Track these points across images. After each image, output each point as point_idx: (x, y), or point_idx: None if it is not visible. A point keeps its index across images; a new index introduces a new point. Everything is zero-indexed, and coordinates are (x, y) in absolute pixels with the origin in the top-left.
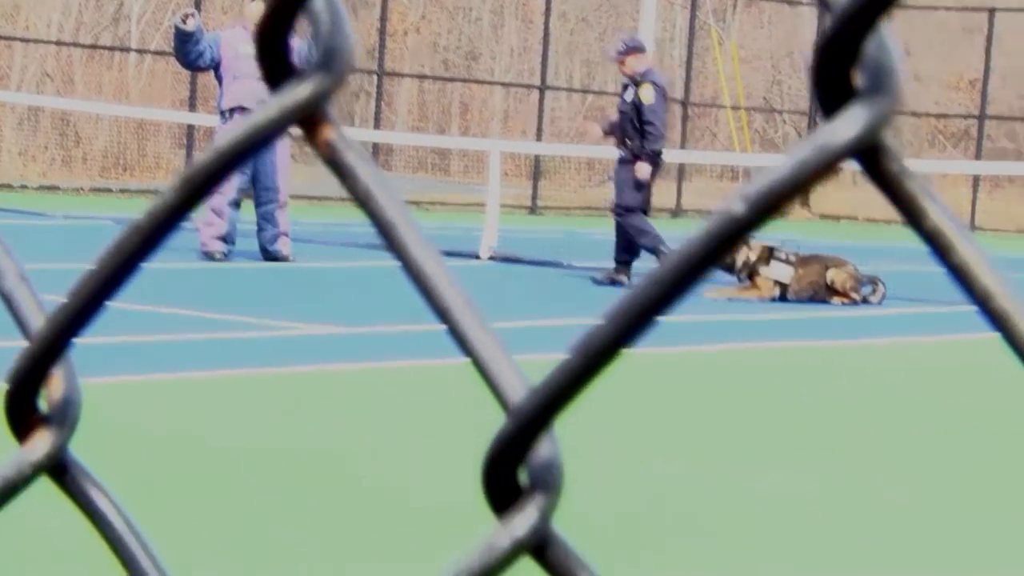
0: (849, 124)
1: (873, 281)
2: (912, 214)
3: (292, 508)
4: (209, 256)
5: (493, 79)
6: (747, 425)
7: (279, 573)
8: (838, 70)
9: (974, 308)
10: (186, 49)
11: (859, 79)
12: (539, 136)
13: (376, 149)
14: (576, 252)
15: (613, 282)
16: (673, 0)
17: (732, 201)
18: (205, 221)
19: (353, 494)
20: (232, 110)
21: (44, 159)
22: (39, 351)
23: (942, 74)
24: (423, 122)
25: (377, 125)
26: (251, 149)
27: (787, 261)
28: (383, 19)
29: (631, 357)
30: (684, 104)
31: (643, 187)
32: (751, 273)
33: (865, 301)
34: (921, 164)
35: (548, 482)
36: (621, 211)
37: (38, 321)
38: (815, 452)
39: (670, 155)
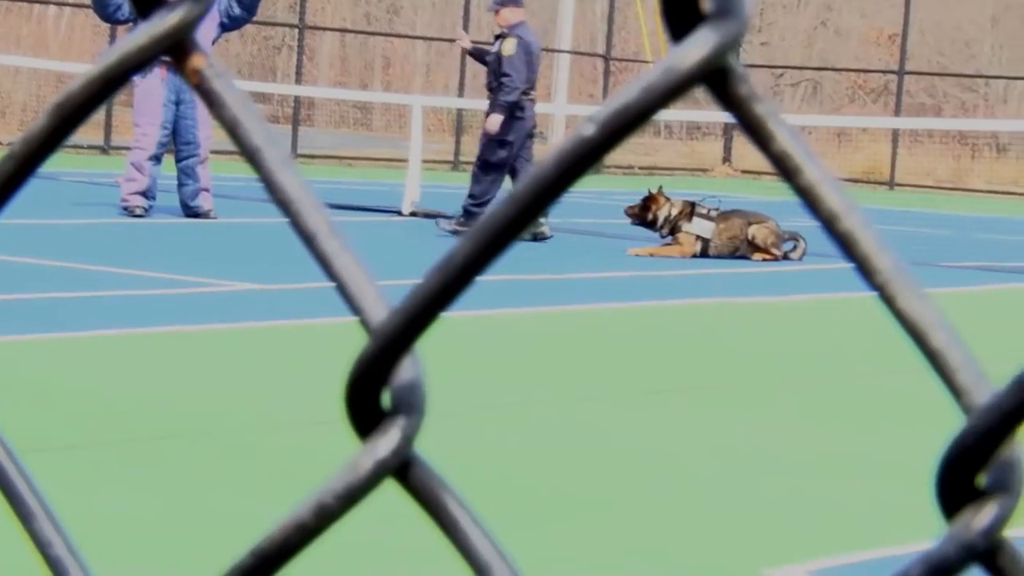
0: (696, 48)
1: (794, 237)
2: (760, 137)
3: (198, 468)
4: (129, 212)
5: (415, 33)
6: (668, 380)
7: (185, 528)
8: None
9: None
10: (104, 2)
11: (707, 2)
12: (461, 91)
13: (298, 103)
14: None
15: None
16: None
17: (582, 124)
18: (126, 176)
19: (259, 455)
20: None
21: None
22: None
23: (862, 29)
24: (345, 76)
25: (299, 80)
26: (121, 77)
27: (708, 217)
28: None
29: (556, 314)
30: (606, 59)
31: (506, 144)
32: (673, 229)
33: (786, 257)
34: (842, 119)
35: (411, 404)
36: (480, 163)
37: None
38: (738, 406)
39: (589, 110)
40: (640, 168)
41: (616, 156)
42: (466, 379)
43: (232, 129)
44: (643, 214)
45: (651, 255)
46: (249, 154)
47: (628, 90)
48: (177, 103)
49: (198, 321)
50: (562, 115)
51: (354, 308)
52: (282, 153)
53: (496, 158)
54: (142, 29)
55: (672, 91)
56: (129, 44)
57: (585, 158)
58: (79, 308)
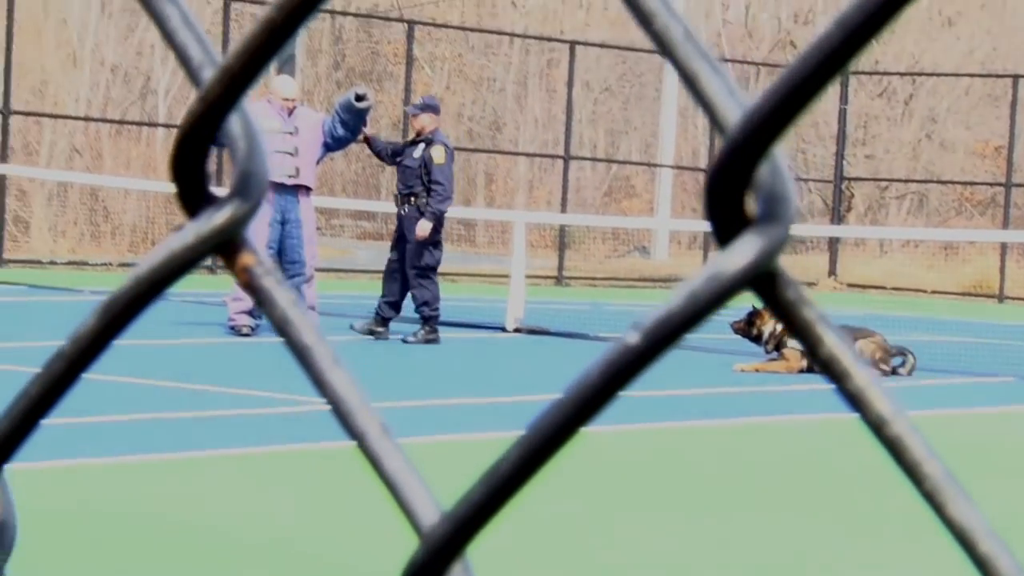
0: (742, 253)
1: (903, 352)
2: (809, 341)
3: None
4: (237, 331)
5: (517, 149)
6: (776, 497)
7: None
8: (731, 198)
9: (992, 381)
10: None
11: (753, 206)
12: (564, 206)
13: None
14: (603, 323)
15: (371, 332)
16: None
17: (627, 332)
18: (233, 296)
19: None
20: None
21: (73, 234)
22: None
23: (968, 141)
24: None
25: None
26: (170, 277)
27: None
28: (407, 90)
29: (663, 431)
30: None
31: (439, 244)
32: (779, 345)
33: (895, 373)
34: (949, 232)
35: None
36: (423, 271)
37: None
38: (845, 524)
39: (695, 225)
40: None
41: None
42: (569, 497)
43: (282, 327)
44: (749, 329)
45: (757, 371)
46: (299, 352)
47: (673, 298)
48: (283, 223)
49: (304, 439)
50: (665, 230)
51: (406, 511)
52: (331, 352)
53: (433, 261)
54: (190, 228)
55: (718, 298)
56: (176, 243)
57: (630, 367)
58: (188, 428)
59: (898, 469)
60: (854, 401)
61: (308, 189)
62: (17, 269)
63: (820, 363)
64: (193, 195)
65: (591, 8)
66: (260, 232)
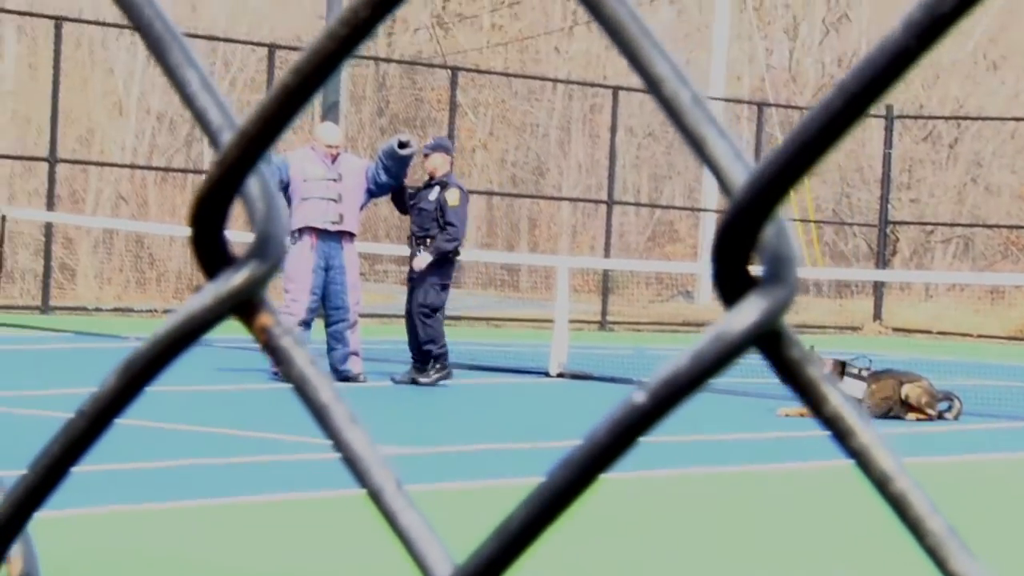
0: (746, 314)
1: (949, 397)
2: (813, 400)
3: None
4: (279, 377)
5: (561, 194)
6: (821, 543)
7: None
8: (736, 259)
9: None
10: None
11: (757, 269)
12: (607, 251)
13: None
14: (647, 368)
15: (415, 381)
16: (740, 113)
17: (634, 392)
18: None
19: None
20: (301, 231)
21: (119, 281)
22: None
23: (1014, 185)
24: (492, 238)
25: None
26: (189, 338)
27: (860, 377)
28: (451, 136)
29: (705, 476)
30: None
31: (446, 287)
32: None
33: (941, 417)
34: (995, 276)
35: None
36: (427, 311)
37: None
38: (894, 572)
39: None
40: (792, 327)
41: None
42: (613, 542)
43: (300, 386)
44: None
45: (802, 416)
46: (317, 411)
47: (679, 358)
48: (327, 268)
49: (347, 486)
50: (709, 274)
51: (420, 565)
52: (349, 411)
53: (439, 302)
54: (209, 289)
55: (723, 358)
56: (195, 305)
57: (637, 426)
58: (231, 474)
59: (902, 525)
60: (859, 458)
61: (352, 235)
62: (63, 316)
63: (824, 420)
64: (212, 256)
65: None
66: (304, 278)
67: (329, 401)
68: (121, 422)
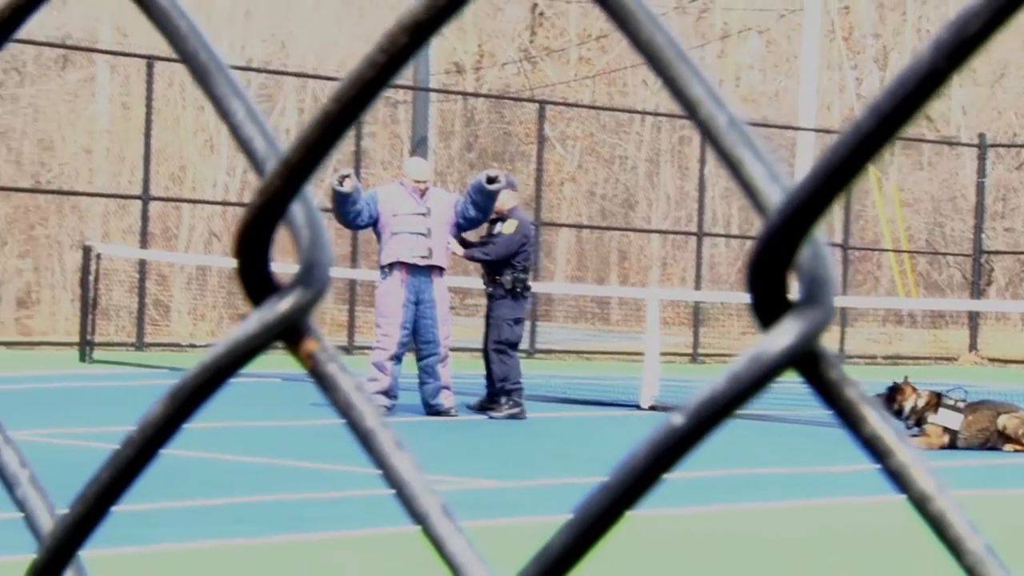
0: (783, 336)
1: None
2: (851, 420)
3: None
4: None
5: (650, 227)
6: None
7: None
8: (772, 280)
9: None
10: (344, 209)
11: (794, 292)
12: (698, 283)
13: (535, 300)
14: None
15: (485, 410)
16: (830, 143)
17: (673, 414)
18: (368, 376)
19: None
20: (391, 266)
21: (213, 317)
22: (49, 559)
23: None
24: (581, 271)
25: (536, 276)
26: (234, 365)
27: (956, 408)
28: (539, 169)
29: (793, 510)
30: (844, 247)
31: (520, 321)
32: (919, 420)
33: None
34: None
35: None
36: (503, 347)
37: (47, 525)
38: None
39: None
40: (883, 358)
41: (859, 345)
42: None
43: (346, 412)
44: (890, 404)
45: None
46: (363, 437)
47: (717, 380)
48: (417, 303)
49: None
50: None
51: None
52: (394, 436)
53: (515, 337)
54: (254, 316)
55: (760, 380)
56: (240, 332)
57: (675, 448)
58: (321, 509)
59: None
60: (897, 478)
61: (441, 269)
62: (158, 352)
63: (863, 441)
64: (257, 284)
65: (722, 85)
66: (395, 313)
67: (375, 427)
68: (191, 455)
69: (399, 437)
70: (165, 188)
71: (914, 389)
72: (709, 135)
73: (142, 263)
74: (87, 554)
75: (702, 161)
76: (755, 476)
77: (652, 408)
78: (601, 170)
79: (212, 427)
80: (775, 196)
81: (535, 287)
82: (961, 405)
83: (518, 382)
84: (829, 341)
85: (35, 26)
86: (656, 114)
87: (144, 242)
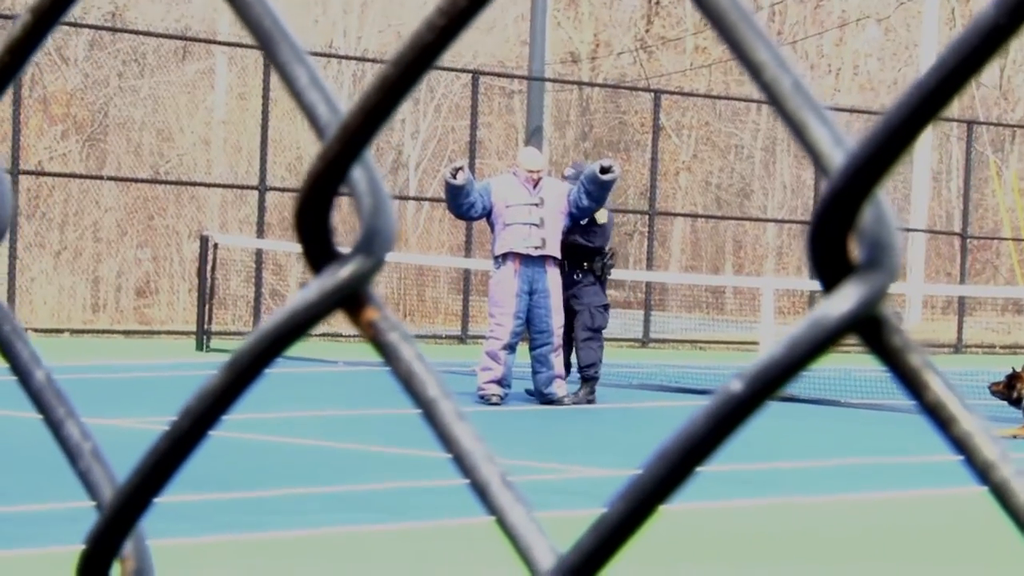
0: (844, 300)
1: None
2: (915, 387)
3: None
4: (486, 400)
5: (766, 216)
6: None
7: None
8: (834, 244)
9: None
10: (458, 201)
11: (857, 253)
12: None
13: (650, 289)
14: (853, 389)
15: (590, 401)
16: (949, 132)
17: (731, 380)
18: (482, 366)
19: None
20: (505, 256)
21: None
22: (105, 529)
23: None
24: (696, 261)
25: (650, 265)
26: (294, 333)
27: None
28: (654, 159)
29: (913, 498)
30: (963, 236)
31: (608, 308)
32: None
33: None
34: None
35: None
36: (593, 334)
37: (108, 494)
38: None
39: (948, 289)
40: (1002, 347)
41: (977, 334)
42: (805, 567)
43: (407, 381)
44: (1008, 392)
45: (1014, 436)
46: (424, 406)
47: (776, 345)
48: (530, 293)
49: (549, 507)
50: (919, 295)
51: (525, 558)
52: (456, 406)
53: (605, 323)
54: (314, 284)
55: (820, 344)
56: (299, 300)
57: (734, 415)
58: (432, 497)
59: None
60: (960, 446)
61: (555, 259)
62: None
63: (926, 408)
64: (318, 252)
65: (840, 73)
66: (508, 303)
67: (437, 396)
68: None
69: (460, 408)
70: (281, 178)
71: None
72: (774, 98)
73: (259, 252)
74: (211, 542)
75: None
76: (886, 465)
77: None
78: (716, 159)
79: (323, 415)
80: (839, 159)
81: (649, 276)
82: None
83: (598, 371)
84: (947, 331)
85: (156, 18)
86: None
87: (261, 232)
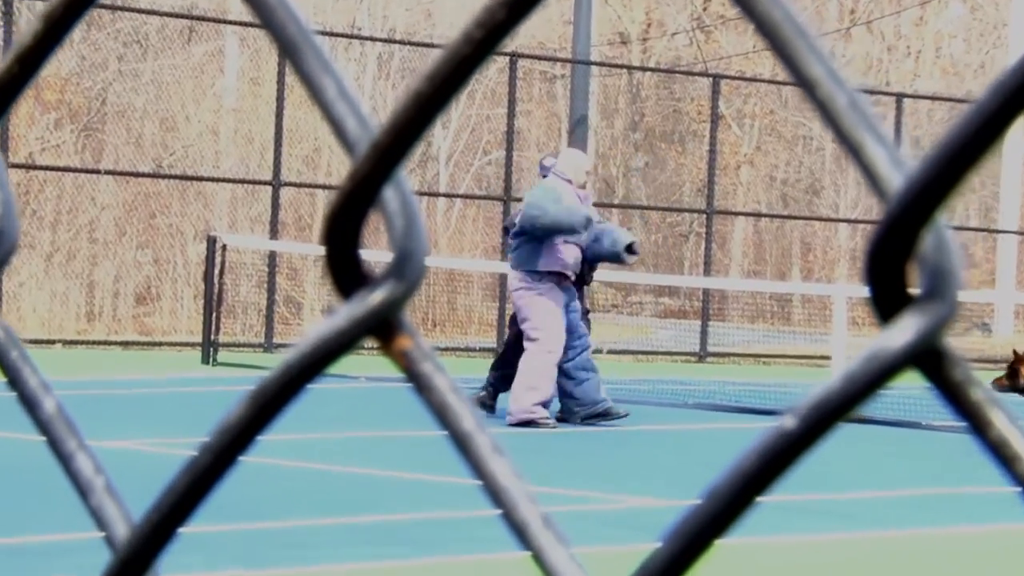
0: (903, 332)
1: None
2: (977, 423)
3: None
4: (533, 425)
5: (838, 215)
6: None
7: None
8: (892, 271)
9: None
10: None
11: (916, 282)
12: None
13: (707, 296)
14: (937, 409)
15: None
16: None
17: (785, 416)
18: (528, 384)
19: None
20: (550, 274)
21: None
22: (123, 568)
23: None
24: (759, 265)
25: (708, 270)
26: (321, 363)
27: None
28: (712, 151)
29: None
30: None
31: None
32: None
33: None
34: None
35: None
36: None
37: (122, 532)
38: None
39: None
40: None
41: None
42: None
43: (441, 414)
44: (1013, 382)
45: None
46: (458, 440)
47: (832, 380)
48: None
49: (597, 541)
50: (1009, 304)
51: None
52: (491, 440)
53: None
54: (343, 311)
55: (877, 379)
56: (327, 328)
57: (787, 453)
58: (464, 529)
59: None
60: None
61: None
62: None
63: (989, 445)
64: (346, 275)
65: (921, 57)
66: (560, 314)
67: (471, 429)
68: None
69: (497, 442)
70: (298, 173)
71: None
72: (828, 116)
73: (272, 255)
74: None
75: (896, 141)
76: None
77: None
78: (782, 152)
79: (345, 437)
80: (896, 182)
81: (706, 283)
82: None
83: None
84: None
85: None
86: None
87: (275, 232)
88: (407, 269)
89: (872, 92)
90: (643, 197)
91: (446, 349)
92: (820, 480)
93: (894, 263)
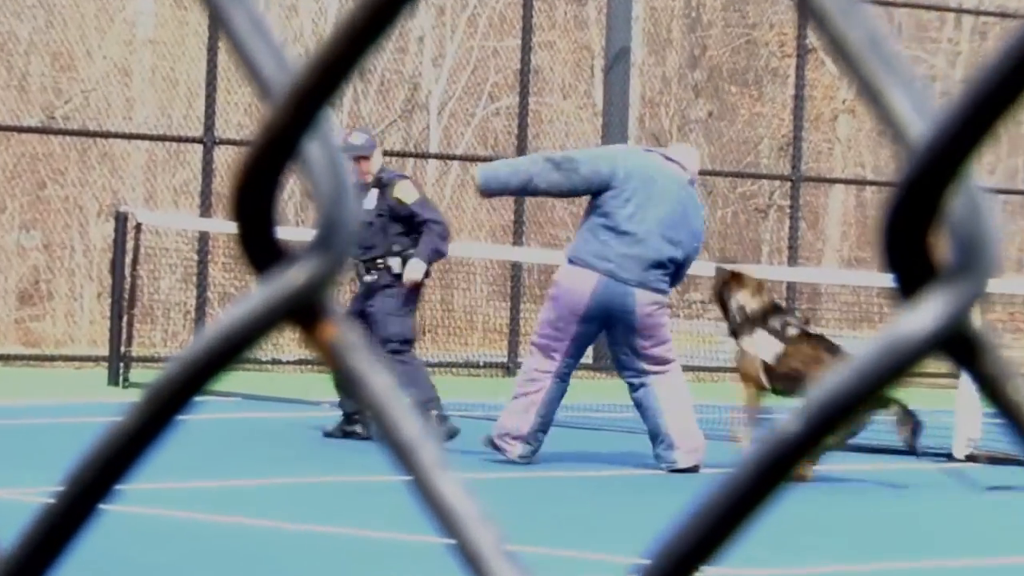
0: (926, 314)
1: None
2: (1015, 414)
3: None
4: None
5: None
6: None
7: None
8: (913, 240)
9: None
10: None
11: (944, 250)
12: None
13: (793, 292)
14: None
15: (346, 435)
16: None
17: (787, 419)
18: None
19: None
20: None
21: None
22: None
23: None
24: (863, 250)
25: (793, 258)
26: (231, 354)
27: (779, 332)
28: (799, 96)
29: None
30: None
31: (413, 310)
32: (736, 331)
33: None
34: None
35: None
36: (395, 347)
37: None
38: None
39: None
40: None
41: None
42: None
43: (376, 417)
44: (717, 296)
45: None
46: (398, 449)
47: (840, 377)
48: None
49: None
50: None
51: None
52: (437, 452)
53: (408, 331)
54: (257, 292)
55: (894, 373)
56: (239, 312)
57: (789, 457)
58: None
59: None
60: None
61: None
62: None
63: None
64: (260, 248)
65: None
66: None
67: (412, 439)
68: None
69: (443, 454)
70: (238, 127)
71: (759, 284)
72: (842, 55)
73: (203, 238)
74: None
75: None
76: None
77: (970, 459)
78: None
79: (306, 484)
80: (920, 131)
81: (792, 275)
82: (792, 331)
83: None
84: None
85: None
86: (979, 12)
87: (207, 207)
88: (334, 241)
89: (1014, 16)
90: (706, 159)
91: (439, 365)
92: (948, 544)
93: (916, 229)
